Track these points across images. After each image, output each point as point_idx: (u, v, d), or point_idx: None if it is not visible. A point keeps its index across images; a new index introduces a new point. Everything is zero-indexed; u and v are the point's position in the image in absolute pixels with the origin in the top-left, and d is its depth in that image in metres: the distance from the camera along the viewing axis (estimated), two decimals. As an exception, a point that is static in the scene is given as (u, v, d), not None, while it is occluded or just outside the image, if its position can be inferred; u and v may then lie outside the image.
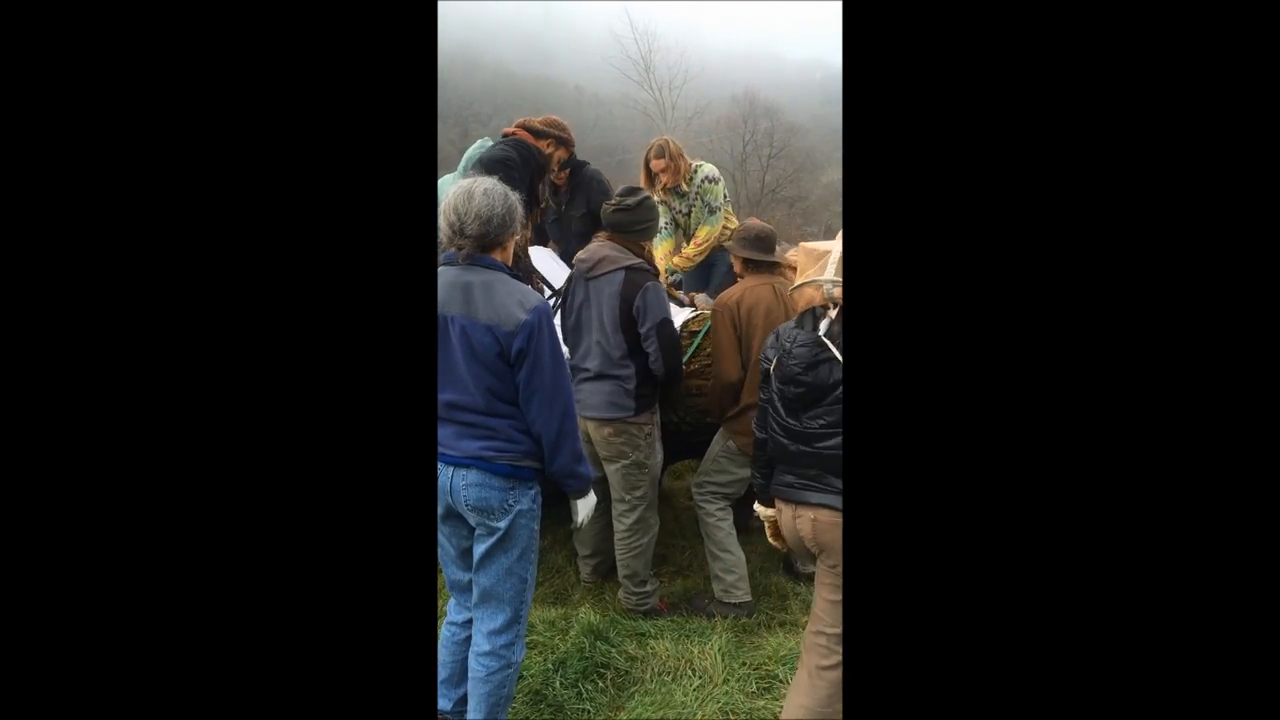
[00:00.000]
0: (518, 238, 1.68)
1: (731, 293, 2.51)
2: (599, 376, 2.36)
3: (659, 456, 2.50)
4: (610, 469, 2.44)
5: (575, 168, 3.42)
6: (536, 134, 2.72)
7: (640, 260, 2.40)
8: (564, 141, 2.82)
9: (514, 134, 2.71)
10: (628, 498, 2.44)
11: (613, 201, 2.45)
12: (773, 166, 27.17)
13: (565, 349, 2.51)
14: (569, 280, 2.53)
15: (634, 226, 2.42)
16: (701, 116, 26.74)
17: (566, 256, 3.37)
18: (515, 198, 1.65)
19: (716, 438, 2.56)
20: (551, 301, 2.99)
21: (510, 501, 1.60)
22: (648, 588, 2.50)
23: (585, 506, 1.79)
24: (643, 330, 2.31)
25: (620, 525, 2.48)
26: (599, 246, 2.43)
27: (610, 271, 2.35)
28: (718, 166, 3.55)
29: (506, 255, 1.66)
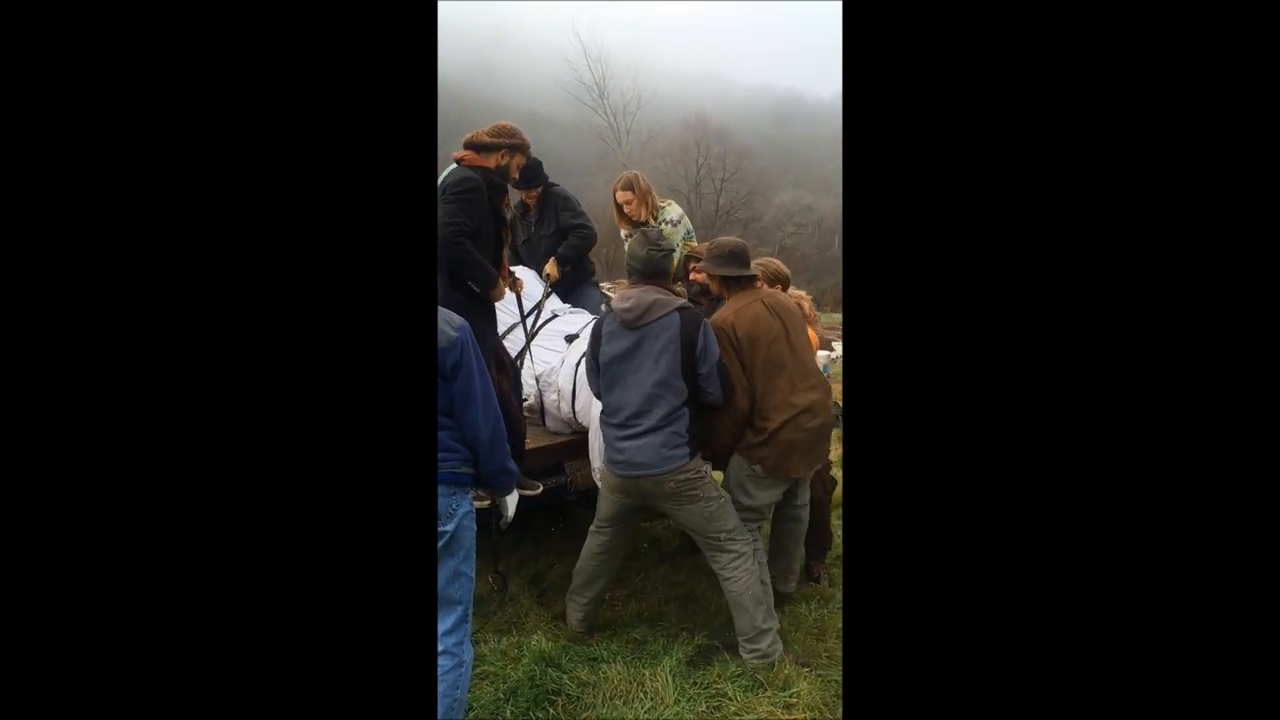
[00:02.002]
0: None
1: (723, 316, 2.38)
2: (654, 429, 2.20)
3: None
4: (684, 517, 2.30)
5: (544, 187, 3.47)
6: (483, 148, 2.54)
7: (685, 300, 2.34)
8: (518, 147, 2.60)
9: (463, 159, 2.54)
10: (722, 537, 2.27)
11: (655, 248, 2.32)
12: (726, 189, 27.72)
13: (598, 402, 2.39)
14: (596, 330, 2.40)
15: (670, 269, 2.38)
16: (655, 141, 27.15)
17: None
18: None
19: (733, 464, 2.43)
20: (532, 319, 3.04)
21: (454, 506, 1.72)
22: (766, 643, 2.25)
23: (513, 501, 1.95)
24: (703, 371, 2.22)
25: (719, 564, 2.31)
26: (641, 293, 2.28)
27: (663, 316, 2.23)
28: (673, 190, 3.64)
29: None
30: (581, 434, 2.76)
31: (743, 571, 2.27)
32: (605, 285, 3.86)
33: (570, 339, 3.08)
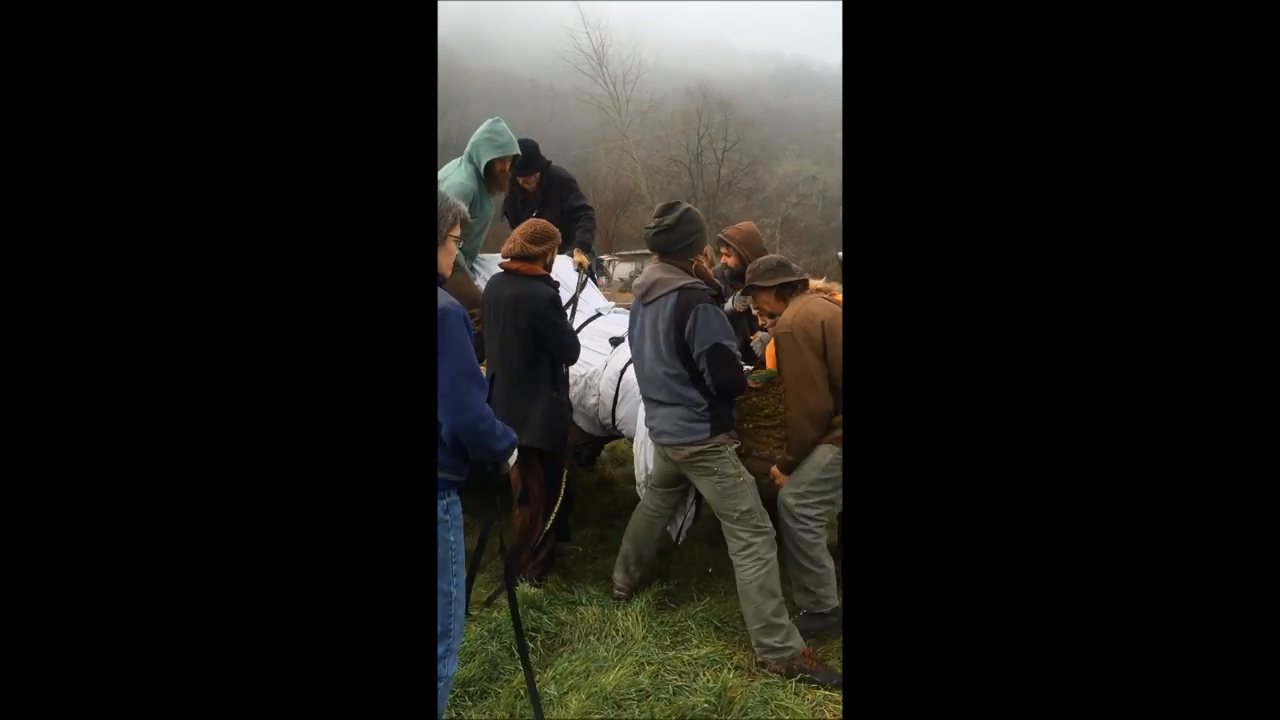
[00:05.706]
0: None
1: (795, 313, 2.30)
2: (670, 404, 2.25)
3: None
4: (701, 487, 2.32)
5: (542, 170, 3.52)
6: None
7: (694, 280, 2.25)
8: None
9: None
10: (734, 516, 2.23)
11: (651, 224, 2.31)
12: (728, 159, 27.54)
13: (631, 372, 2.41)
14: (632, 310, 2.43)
15: (678, 245, 2.28)
16: (656, 110, 26.92)
17: None
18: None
19: (821, 449, 2.32)
20: (571, 310, 2.99)
21: None
22: (776, 639, 2.15)
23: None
24: (695, 354, 2.18)
25: (731, 549, 2.26)
26: (651, 270, 2.31)
27: (663, 295, 2.23)
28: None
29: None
30: (615, 437, 2.72)
31: (750, 560, 2.21)
32: (605, 258, 3.91)
33: (615, 342, 2.97)
